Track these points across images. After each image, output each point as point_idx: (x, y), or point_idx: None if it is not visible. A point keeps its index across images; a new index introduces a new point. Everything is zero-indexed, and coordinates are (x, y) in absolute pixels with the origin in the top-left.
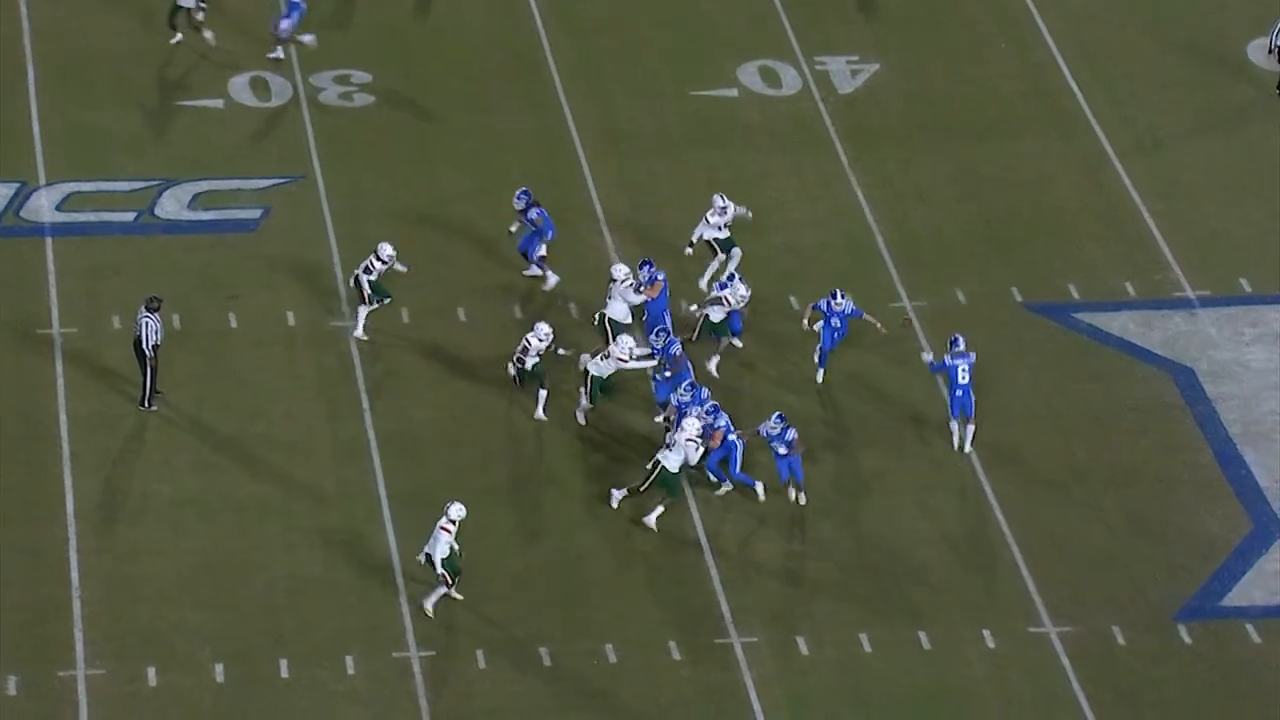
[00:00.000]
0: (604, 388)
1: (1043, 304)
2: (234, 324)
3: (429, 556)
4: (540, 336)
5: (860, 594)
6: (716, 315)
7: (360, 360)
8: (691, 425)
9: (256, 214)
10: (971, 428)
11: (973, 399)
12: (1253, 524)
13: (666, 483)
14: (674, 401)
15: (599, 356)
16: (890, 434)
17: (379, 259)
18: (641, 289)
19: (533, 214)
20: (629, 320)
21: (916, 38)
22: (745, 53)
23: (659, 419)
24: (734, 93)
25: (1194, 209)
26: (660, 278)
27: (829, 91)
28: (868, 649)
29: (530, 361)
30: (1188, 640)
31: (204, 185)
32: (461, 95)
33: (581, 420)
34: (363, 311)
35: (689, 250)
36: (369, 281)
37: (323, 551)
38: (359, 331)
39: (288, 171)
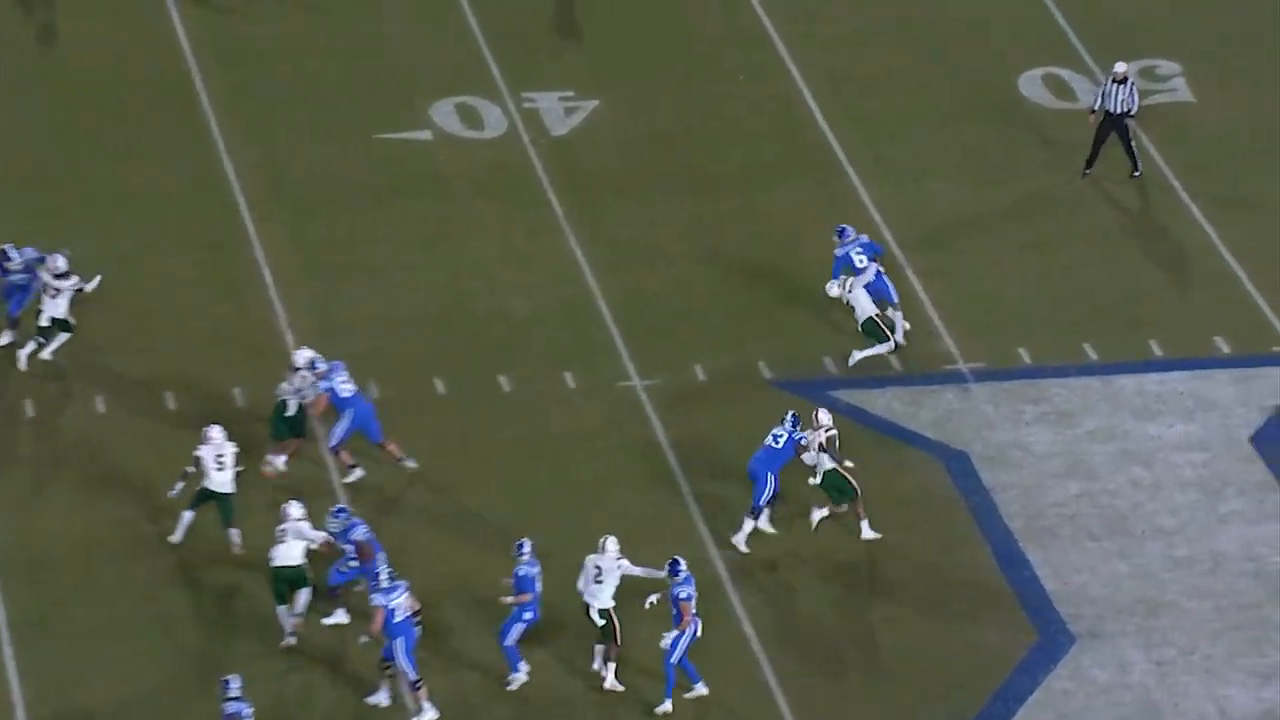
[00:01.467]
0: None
1: (794, 380)
2: None
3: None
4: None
5: None
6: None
7: None
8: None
9: None
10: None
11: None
12: (1038, 635)
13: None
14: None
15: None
16: None
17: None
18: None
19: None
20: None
21: (641, 69)
22: (440, 88)
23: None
24: (427, 135)
25: (964, 266)
26: (336, 385)
27: (539, 133)
28: None
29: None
30: None
31: None
32: (94, 139)
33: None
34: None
35: None
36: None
37: None
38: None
39: None
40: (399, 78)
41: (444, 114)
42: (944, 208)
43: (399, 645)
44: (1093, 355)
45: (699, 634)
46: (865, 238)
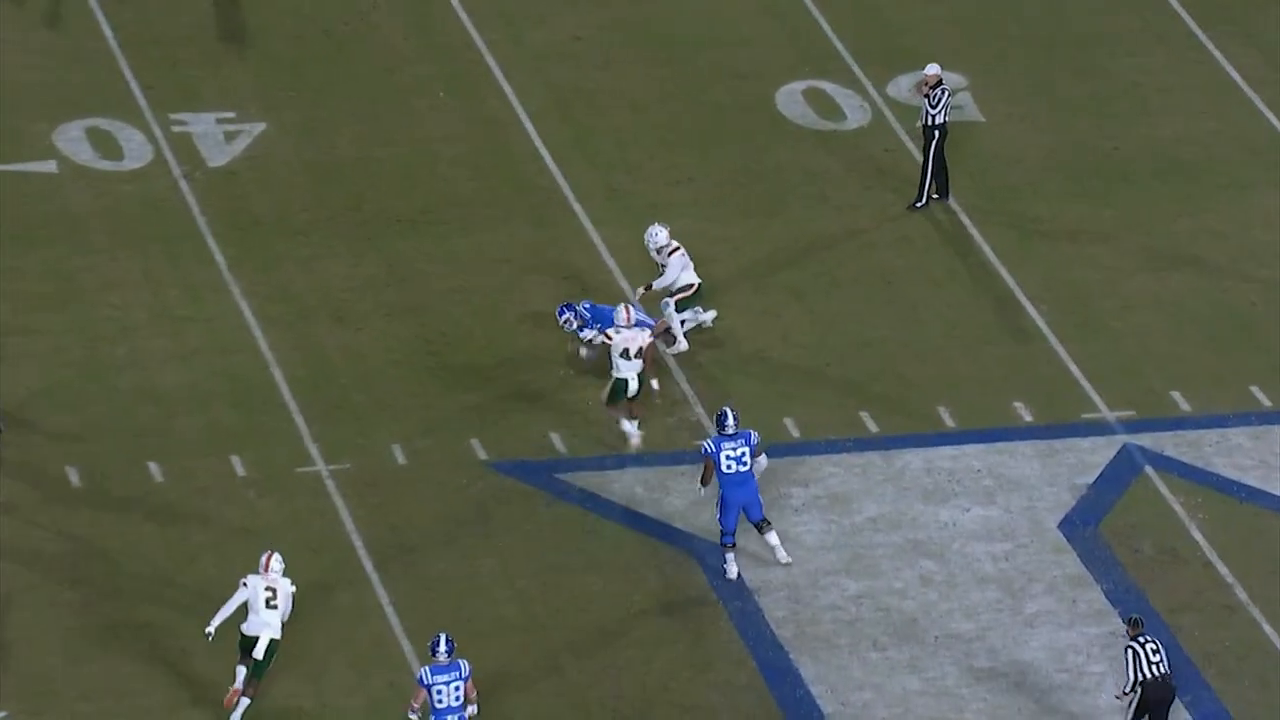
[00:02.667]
0: None
1: (516, 462)
2: None
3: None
4: None
5: None
6: None
7: None
8: None
9: None
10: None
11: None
12: None
13: None
14: None
15: None
16: None
17: None
18: None
19: None
20: None
21: (317, 85)
22: (66, 109)
23: None
24: (51, 167)
25: (721, 321)
26: None
27: (194, 163)
28: None
29: None
30: None
31: None
32: None
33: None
34: None
35: None
36: None
37: None
38: None
39: None
40: (15, 100)
41: (72, 141)
42: (692, 249)
43: None
44: (871, 427)
45: None
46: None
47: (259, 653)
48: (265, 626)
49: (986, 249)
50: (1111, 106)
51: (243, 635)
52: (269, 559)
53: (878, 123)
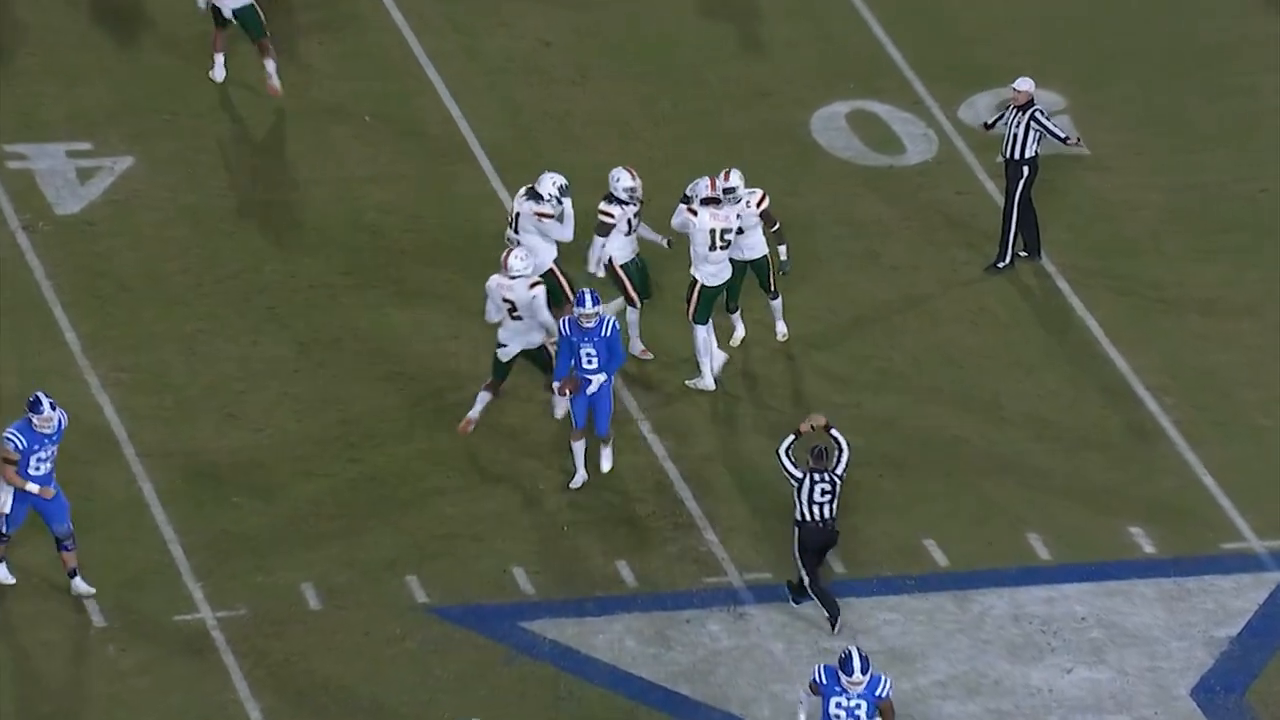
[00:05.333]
0: None
1: (468, 606)
2: None
3: None
4: None
5: None
6: None
7: None
8: None
9: None
10: None
11: None
12: None
13: None
14: None
15: None
16: None
17: None
18: None
19: None
20: None
21: (201, 106)
22: None
23: None
24: None
25: (741, 414)
26: None
27: (38, 211)
28: None
29: None
30: None
31: None
32: None
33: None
34: None
35: None
36: None
37: None
38: None
39: None
40: None
41: None
42: None
43: None
44: (940, 559)
45: None
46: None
47: None
48: None
49: (1092, 323)
50: (1255, 137)
51: None
52: None
53: (947, 156)
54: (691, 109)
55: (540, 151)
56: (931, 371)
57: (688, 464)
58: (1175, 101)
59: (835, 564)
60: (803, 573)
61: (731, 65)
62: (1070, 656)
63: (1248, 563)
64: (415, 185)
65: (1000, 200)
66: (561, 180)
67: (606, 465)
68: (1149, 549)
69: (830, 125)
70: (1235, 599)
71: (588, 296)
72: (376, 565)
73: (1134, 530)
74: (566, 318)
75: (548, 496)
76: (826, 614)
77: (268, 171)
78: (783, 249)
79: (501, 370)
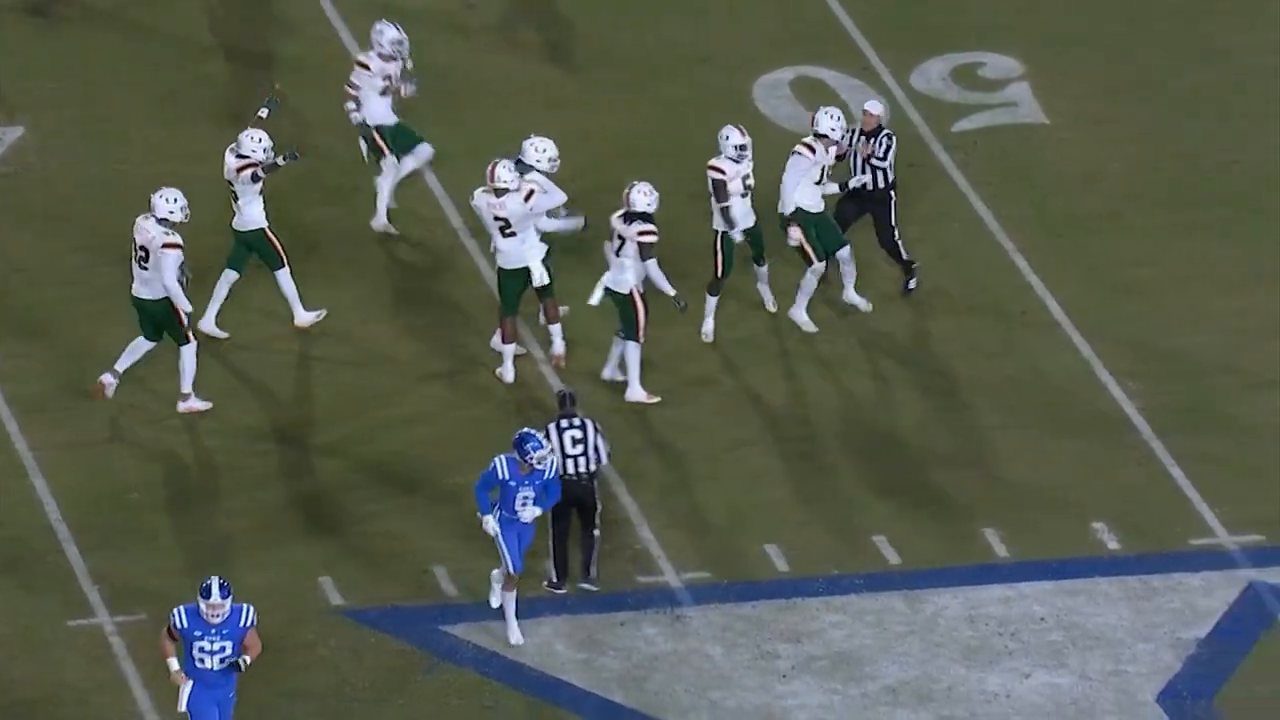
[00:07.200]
0: None
1: (385, 608)
2: None
3: None
4: None
5: None
6: None
7: None
8: None
9: None
10: None
11: None
12: None
13: None
14: None
15: None
16: None
17: None
18: None
19: None
20: None
21: (97, 73)
22: None
23: None
24: None
25: (674, 408)
26: None
27: None
28: None
29: None
30: None
31: None
32: None
33: None
34: None
35: None
36: None
37: None
38: None
39: None
40: None
41: None
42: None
43: None
44: (891, 557)
45: None
46: None
47: None
48: None
49: (1053, 304)
50: (1230, 104)
51: None
52: None
53: (898, 127)
54: (625, 75)
55: (461, 120)
56: (882, 357)
57: (621, 457)
58: (1140, 67)
59: (778, 562)
60: (551, 531)
61: (669, 28)
62: (1029, 660)
63: (1217, 560)
64: (331, 157)
65: (954, 172)
66: (551, 149)
67: (515, 638)
68: (1113, 545)
69: (774, 93)
70: (1204, 598)
71: (539, 439)
72: (288, 566)
73: (1097, 525)
74: (507, 459)
75: (469, 492)
76: (553, 576)
77: (169, 144)
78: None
79: (512, 302)
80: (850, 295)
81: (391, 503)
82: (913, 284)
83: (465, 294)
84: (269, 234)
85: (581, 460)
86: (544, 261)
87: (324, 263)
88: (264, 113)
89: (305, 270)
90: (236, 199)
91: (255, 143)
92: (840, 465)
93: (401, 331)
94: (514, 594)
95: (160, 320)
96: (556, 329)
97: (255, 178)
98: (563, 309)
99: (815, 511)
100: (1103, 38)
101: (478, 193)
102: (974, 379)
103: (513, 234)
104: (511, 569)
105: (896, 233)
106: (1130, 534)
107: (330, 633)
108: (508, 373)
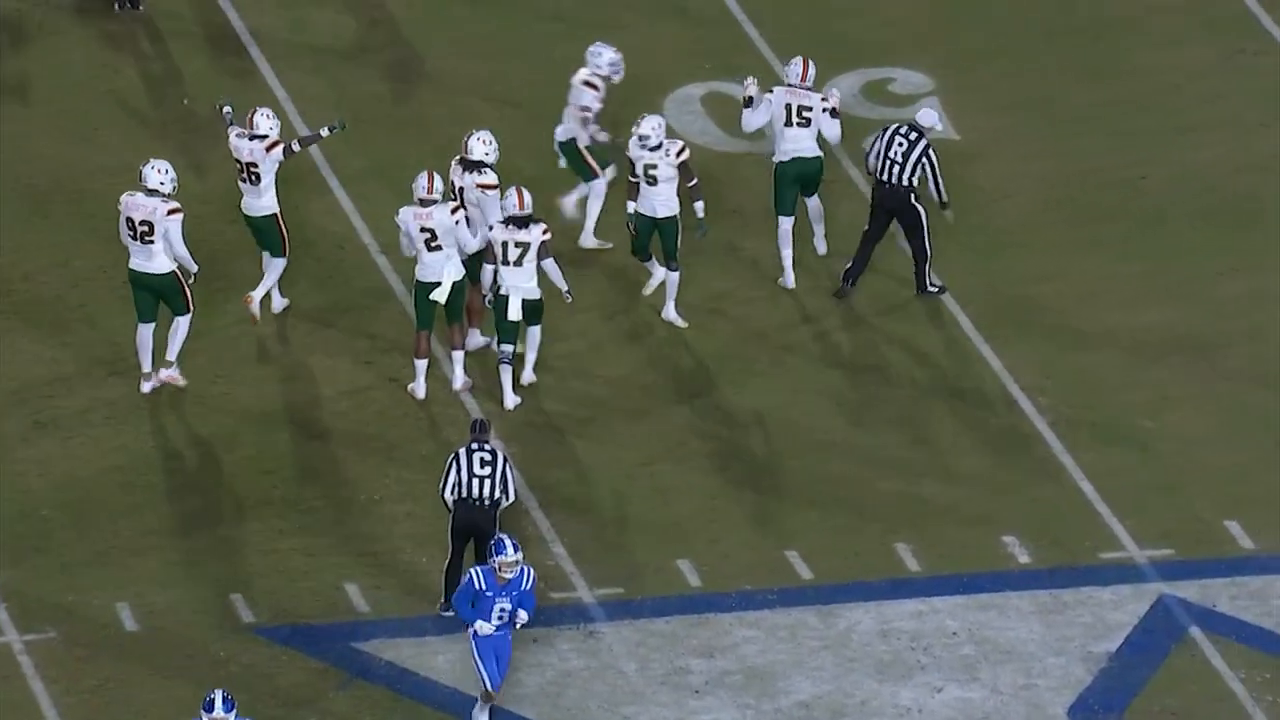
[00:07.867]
0: None
1: (297, 625)
2: None
3: None
4: None
5: None
6: None
7: None
8: None
9: None
10: None
11: None
12: None
13: None
14: None
15: None
16: None
17: None
18: None
19: None
20: None
21: (6, 78)
22: None
23: None
24: None
25: (590, 418)
26: None
27: None
28: None
29: None
30: None
31: None
32: None
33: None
34: None
35: None
36: None
37: None
38: None
39: None
40: None
41: None
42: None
43: None
44: (803, 572)
45: None
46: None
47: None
48: None
49: (964, 319)
50: (1137, 120)
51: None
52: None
53: None
54: (535, 90)
55: (368, 147)
56: (795, 372)
57: (533, 473)
58: (1051, 82)
59: (691, 577)
60: (449, 553)
61: (577, 41)
62: (941, 674)
63: (1127, 573)
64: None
65: (865, 190)
66: (489, 137)
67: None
68: (1024, 559)
69: (685, 109)
70: (1114, 612)
71: (508, 544)
72: (198, 583)
73: (1008, 539)
74: (483, 570)
75: (383, 506)
76: (443, 598)
77: (78, 157)
78: (699, 206)
79: (426, 317)
80: (669, 312)
81: (302, 520)
82: (848, 289)
83: (378, 311)
84: (280, 220)
85: (488, 483)
86: (456, 285)
87: (233, 280)
88: (228, 110)
89: (213, 288)
90: (257, 181)
91: (272, 120)
92: (752, 480)
93: (313, 348)
94: (490, 705)
95: (163, 291)
96: (459, 355)
97: (288, 152)
98: (482, 340)
99: (727, 527)
100: (1010, 54)
101: (403, 209)
102: (885, 393)
103: (438, 247)
104: (489, 687)
105: (927, 237)
106: (1041, 548)
107: (241, 651)
108: (419, 389)
